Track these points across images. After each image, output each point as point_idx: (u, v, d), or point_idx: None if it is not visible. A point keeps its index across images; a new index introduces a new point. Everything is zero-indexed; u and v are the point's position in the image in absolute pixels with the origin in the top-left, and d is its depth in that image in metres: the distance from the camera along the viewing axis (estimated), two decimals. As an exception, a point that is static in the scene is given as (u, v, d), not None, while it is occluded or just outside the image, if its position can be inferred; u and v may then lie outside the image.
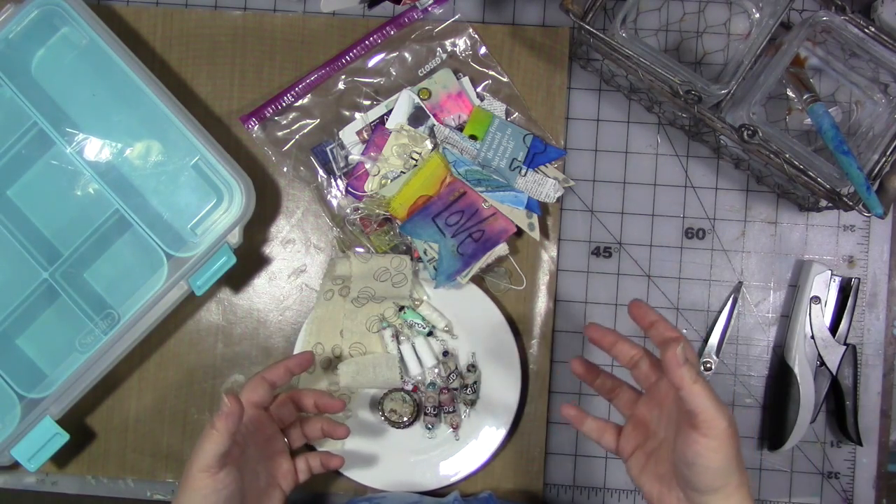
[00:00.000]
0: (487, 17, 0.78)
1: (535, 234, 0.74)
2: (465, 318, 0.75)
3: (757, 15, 0.75)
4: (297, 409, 0.69)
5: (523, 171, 0.75)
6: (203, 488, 0.58)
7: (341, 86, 0.77)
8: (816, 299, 0.74)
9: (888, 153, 0.65)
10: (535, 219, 0.74)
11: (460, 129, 0.75)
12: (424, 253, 0.74)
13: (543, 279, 0.76)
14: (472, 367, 0.75)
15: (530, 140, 0.75)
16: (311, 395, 0.68)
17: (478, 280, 0.75)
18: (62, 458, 0.76)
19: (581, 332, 0.76)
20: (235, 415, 0.57)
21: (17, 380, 0.72)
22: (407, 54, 0.77)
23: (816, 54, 0.73)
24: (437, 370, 0.75)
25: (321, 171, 0.77)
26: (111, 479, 0.77)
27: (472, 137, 0.75)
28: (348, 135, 0.76)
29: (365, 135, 0.76)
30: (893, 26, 0.71)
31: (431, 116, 0.75)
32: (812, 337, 0.74)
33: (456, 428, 0.74)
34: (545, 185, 0.74)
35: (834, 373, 0.74)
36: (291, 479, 0.67)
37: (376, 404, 0.75)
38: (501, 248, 0.74)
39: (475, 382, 0.74)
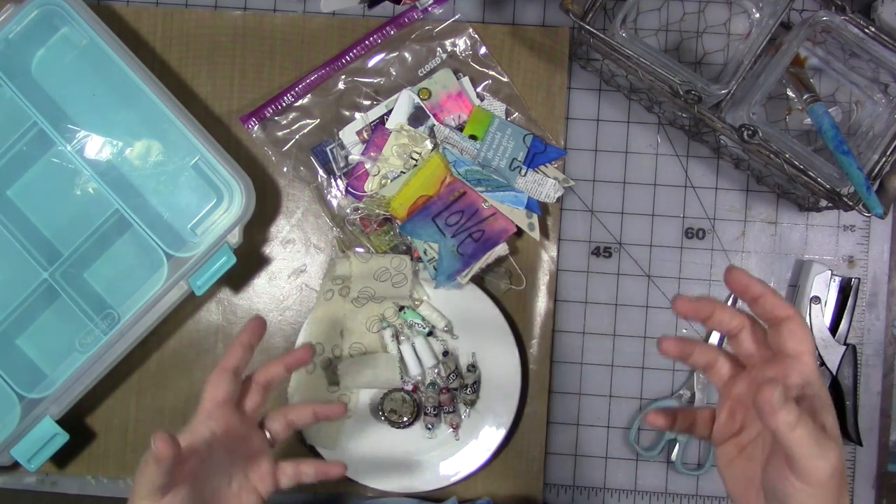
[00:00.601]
0: (487, 17, 0.78)
1: (535, 234, 0.74)
2: (465, 318, 0.75)
3: (757, 15, 0.75)
4: (266, 395, 0.61)
5: (523, 171, 0.75)
6: None
7: (341, 86, 0.77)
8: (816, 299, 0.74)
9: (888, 153, 0.65)
10: (535, 219, 0.74)
11: (460, 129, 0.75)
12: (424, 253, 0.74)
13: (543, 279, 0.76)
14: (472, 367, 0.75)
15: (530, 140, 0.75)
16: (307, 407, 0.62)
17: (478, 280, 0.75)
18: (62, 458, 0.76)
19: (582, 332, 0.76)
20: (166, 459, 0.50)
21: (17, 380, 0.72)
22: (407, 54, 0.77)
23: (816, 54, 0.73)
24: (437, 370, 0.75)
25: (321, 171, 0.77)
26: (111, 479, 0.77)
27: (472, 137, 0.75)
28: (348, 135, 0.76)
29: (365, 135, 0.76)
30: (893, 26, 0.71)
31: (431, 116, 0.75)
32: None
33: (456, 428, 0.74)
34: (545, 185, 0.74)
35: (834, 373, 0.74)
36: (270, 481, 0.60)
37: (376, 404, 0.75)
38: (501, 248, 0.74)
39: (475, 382, 0.74)
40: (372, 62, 0.77)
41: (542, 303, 0.76)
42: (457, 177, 0.74)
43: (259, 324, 0.60)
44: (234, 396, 0.58)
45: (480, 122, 0.75)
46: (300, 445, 0.76)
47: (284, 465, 0.61)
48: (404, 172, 0.75)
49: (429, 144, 0.75)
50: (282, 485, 0.60)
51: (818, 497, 0.43)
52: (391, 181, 0.75)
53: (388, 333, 0.74)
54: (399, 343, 0.75)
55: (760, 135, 0.64)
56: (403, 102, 0.75)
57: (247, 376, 0.61)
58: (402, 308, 0.75)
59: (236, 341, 0.59)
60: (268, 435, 0.61)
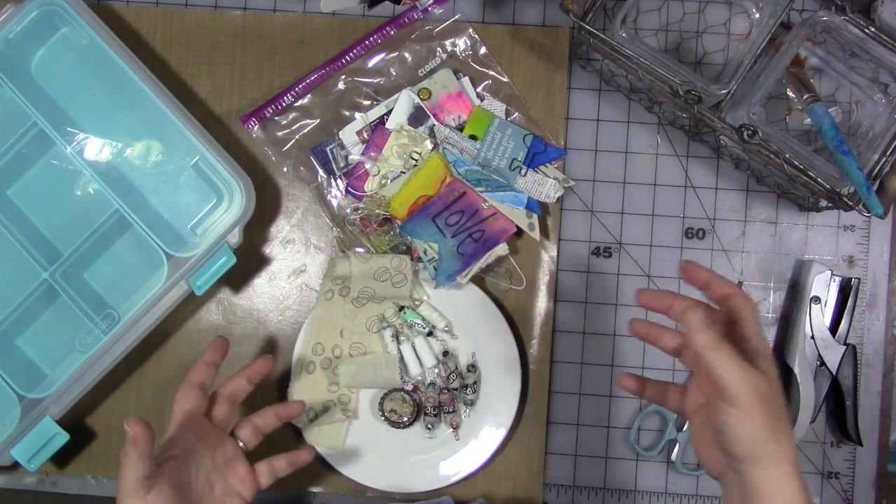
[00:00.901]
0: (487, 17, 0.78)
1: (535, 234, 0.74)
2: (465, 318, 0.75)
3: (757, 15, 0.75)
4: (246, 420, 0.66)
5: (523, 171, 0.75)
6: None
7: (341, 86, 0.77)
8: (816, 299, 0.74)
9: (888, 153, 0.65)
10: (535, 219, 0.74)
11: (460, 129, 0.75)
12: (424, 253, 0.74)
13: (543, 279, 0.76)
14: (472, 367, 0.75)
15: (530, 140, 0.75)
16: (268, 410, 0.66)
17: (478, 280, 0.75)
18: (62, 458, 0.76)
19: (582, 332, 0.76)
20: (142, 439, 0.55)
21: (17, 380, 0.72)
22: (407, 54, 0.77)
23: (816, 54, 0.73)
24: (437, 370, 0.75)
25: (321, 171, 0.77)
26: (111, 479, 0.77)
27: (472, 137, 0.75)
28: (348, 135, 0.76)
29: (365, 135, 0.76)
30: (893, 26, 0.71)
31: (431, 116, 0.75)
32: (812, 337, 0.74)
33: (456, 428, 0.74)
34: (545, 185, 0.74)
35: (834, 373, 0.74)
36: (251, 484, 0.64)
37: (376, 404, 0.75)
38: (501, 248, 0.74)
39: (475, 382, 0.74)
40: (372, 62, 0.77)
41: (542, 303, 0.76)
42: (457, 177, 0.74)
43: (222, 342, 0.66)
44: (202, 408, 0.63)
45: (480, 122, 0.75)
46: (300, 446, 0.76)
47: (259, 465, 0.65)
48: (404, 172, 0.75)
49: (429, 144, 0.75)
50: (262, 485, 0.65)
51: (748, 421, 0.48)
52: (391, 181, 0.75)
53: (388, 333, 0.74)
54: (399, 343, 0.75)
55: (760, 135, 0.64)
56: (403, 102, 0.75)
57: (214, 391, 0.66)
58: (402, 308, 0.75)
59: (201, 359, 0.65)
60: (240, 443, 0.65)
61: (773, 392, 0.49)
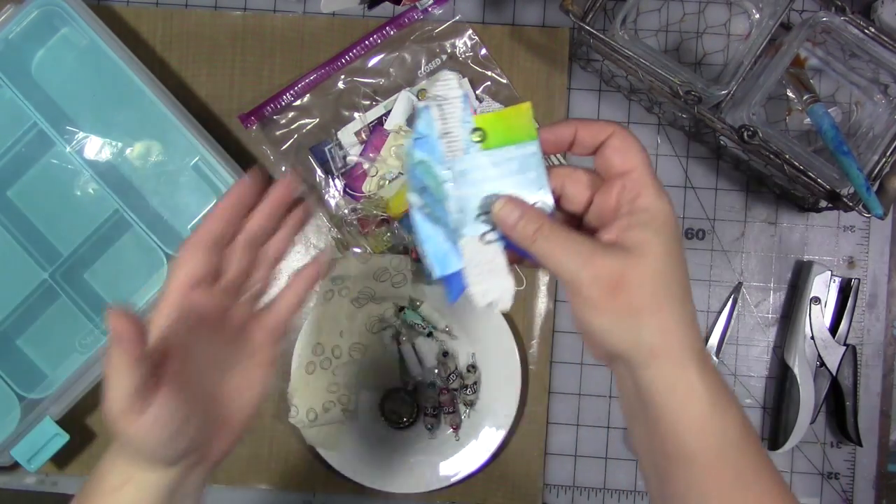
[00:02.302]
0: (487, 18, 0.78)
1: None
2: (465, 318, 0.75)
3: (757, 15, 0.75)
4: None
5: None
6: (132, 438, 0.43)
7: (341, 85, 0.77)
8: (816, 300, 0.74)
9: (888, 153, 0.65)
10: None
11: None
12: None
13: (543, 279, 0.76)
14: (472, 368, 0.75)
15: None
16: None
17: (478, 280, 0.75)
18: (62, 459, 0.76)
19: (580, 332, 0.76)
20: (131, 335, 0.39)
21: (17, 380, 0.72)
22: (407, 55, 0.77)
23: (816, 55, 0.73)
24: (436, 371, 0.75)
25: (319, 171, 0.77)
26: (111, 479, 0.77)
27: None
28: (347, 135, 0.76)
29: (363, 135, 0.76)
30: (893, 27, 0.71)
31: (431, 117, 0.75)
32: (812, 337, 0.74)
33: (456, 428, 0.74)
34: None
35: (834, 373, 0.74)
36: (278, 332, 0.50)
37: (376, 404, 0.75)
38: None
39: (475, 383, 0.74)
40: (372, 62, 0.77)
41: (542, 303, 0.76)
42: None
43: (256, 176, 0.46)
44: (208, 276, 0.45)
45: (511, 128, 0.62)
46: (300, 446, 0.76)
47: (278, 303, 0.51)
48: (402, 174, 0.75)
49: (429, 145, 0.75)
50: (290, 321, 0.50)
51: (601, 312, 0.39)
52: (389, 182, 0.75)
53: (388, 334, 0.74)
54: (399, 343, 0.75)
55: (760, 135, 0.64)
56: (402, 103, 0.75)
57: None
58: (401, 308, 0.75)
59: (220, 204, 0.46)
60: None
61: (635, 272, 0.39)
